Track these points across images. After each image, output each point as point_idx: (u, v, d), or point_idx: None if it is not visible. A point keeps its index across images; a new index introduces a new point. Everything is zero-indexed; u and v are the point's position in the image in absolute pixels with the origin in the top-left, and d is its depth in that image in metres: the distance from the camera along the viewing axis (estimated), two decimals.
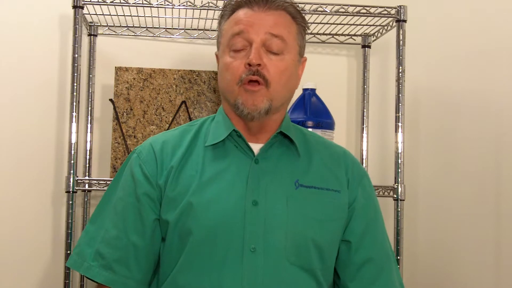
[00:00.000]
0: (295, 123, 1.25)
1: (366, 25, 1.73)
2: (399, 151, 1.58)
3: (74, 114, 1.49)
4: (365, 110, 1.85)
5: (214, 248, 1.05)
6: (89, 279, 1.10)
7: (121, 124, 1.60)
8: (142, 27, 1.78)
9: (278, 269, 1.05)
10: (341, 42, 1.88)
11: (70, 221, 1.48)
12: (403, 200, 1.57)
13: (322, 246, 1.09)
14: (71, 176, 1.48)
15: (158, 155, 1.12)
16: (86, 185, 1.53)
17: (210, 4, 1.54)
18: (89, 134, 1.73)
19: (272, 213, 1.07)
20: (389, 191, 1.58)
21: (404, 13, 1.59)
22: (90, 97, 1.74)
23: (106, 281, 1.08)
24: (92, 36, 1.75)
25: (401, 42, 1.59)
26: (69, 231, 1.48)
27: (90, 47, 1.75)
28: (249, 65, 1.07)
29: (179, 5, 1.56)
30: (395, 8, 1.59)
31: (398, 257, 1.53)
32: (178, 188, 1.09)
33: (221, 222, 1.05)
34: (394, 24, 1.63)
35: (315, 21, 1.70)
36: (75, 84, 1.50)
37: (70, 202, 1.48)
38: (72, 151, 1.48)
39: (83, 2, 1.51)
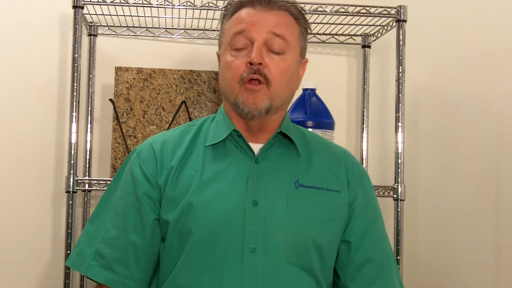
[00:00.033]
0: (295, 123, 1.25)
1: (366, 25, 1.73)
2: (399, 151, 1.58)
3: (74, 114, 1.49)
4: (365, 110, 1.85)
5: (214, 248, 1.05)
6: (89, 278, 1.10)
7: (121, 124, 1.60)
8: (142, 27, 1.78)
9: (278, 269, 1.05)
10: (341, 42, 1.88)
11: (70, 221, 1.48)
12: (403, 200, 1.57)
13: (322, 246, 1.09)
14: (71, 176, 1.48)
15: (158, 155, 1.12)
16: (86, 185, 1.53)
17: (210, 4, 1.54)
18: (89, 134, 1.73)
19: (272, 213, 1.07)
20: (389, 191, 1.58)
21: (404, 13, 1.59)
22: (90, 97, 1.74)
23: (106, 281, 1.08)
24: (92, 36, 1.75)
25: (401, 42, 1.59)
26: (69, 231, 1.48)
27: (90, 47, 1.75)
28: (251, 64, 1.07)
29: (179, 5, 1.56)
30: (395, 8, 1.59)
31: (398, 257, 1.53)
32: (178, 188, 1.09)
33: (221, 222, 1.05)
34: (394, 24, 1.63)
35: (315, 21, 1.70)
36: (75, 84, 1.50)
37: (70, 202, 1.48)
38: (72, 151, 1.48)
39: (83, 2, 1.51)
